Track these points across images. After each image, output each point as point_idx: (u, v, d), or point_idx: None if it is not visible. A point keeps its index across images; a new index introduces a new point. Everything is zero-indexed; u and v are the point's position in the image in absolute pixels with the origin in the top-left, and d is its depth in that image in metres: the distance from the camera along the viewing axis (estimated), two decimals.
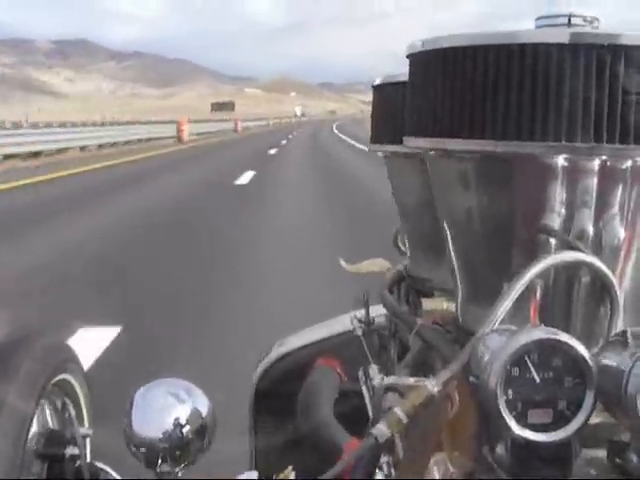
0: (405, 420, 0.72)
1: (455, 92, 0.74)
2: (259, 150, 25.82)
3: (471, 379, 0.72)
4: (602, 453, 0.73)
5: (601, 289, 0.75)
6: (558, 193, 0.73)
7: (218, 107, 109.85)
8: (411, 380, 0.79)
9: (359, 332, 1.15)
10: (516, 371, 0.68)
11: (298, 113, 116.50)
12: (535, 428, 0.68)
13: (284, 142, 33.86)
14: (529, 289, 0.74)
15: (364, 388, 1.07)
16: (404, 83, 0.89)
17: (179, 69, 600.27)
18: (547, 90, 0.70)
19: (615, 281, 0.74)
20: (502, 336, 0.70)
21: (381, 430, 0.72)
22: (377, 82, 1.12)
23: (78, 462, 1.23)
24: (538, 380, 0.68)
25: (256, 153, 24.18)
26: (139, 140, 30.76)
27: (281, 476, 1.11)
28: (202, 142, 33.34)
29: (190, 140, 34.09)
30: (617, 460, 0.71)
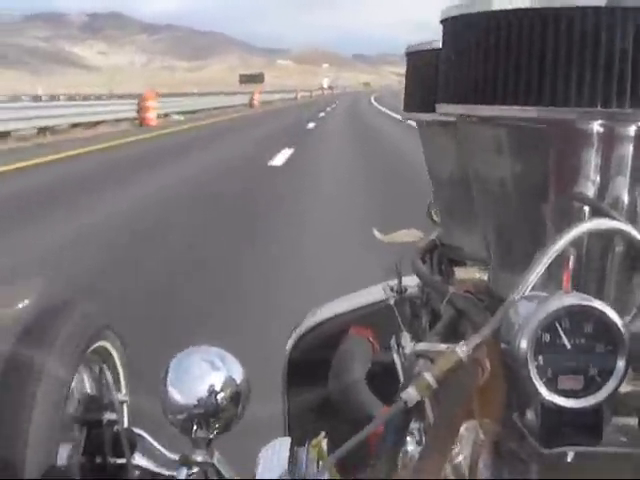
0: (434, 385, 0.72)
1: (489, 58, 0.73)
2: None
3: (502, 345, 0.71)
4: (633, 421, 0.73)
5: (635, 257, 0.74)
6: (593, 160, 0.72)
7: (247, 79, 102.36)
8: (442, 346, 0.79)
9: (391, 301, 1.15)
10: (547, 337, 0.67)
11: (325, 85, 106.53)
12: (565, 394, 0.68)
13: (311, 125, 24.64)
14: (562, 257, 0.73)
15: (396, 356, 1.07)
16: (438, 50, 0.88)
17: (211, 41, 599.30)
18: (582, 55, 0.68)
19: None
20: (533, 302, 0.70)
21: (410, 394, 0.72)
22: (410, 49, 1.11)
23: (116, 427, 1.26)
24: (569, 346, 0.67)
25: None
26: None
27: (314, 442, 1.13)
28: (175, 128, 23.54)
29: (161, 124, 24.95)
30: None
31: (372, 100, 62.80)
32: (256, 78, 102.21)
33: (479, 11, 0.75)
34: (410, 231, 1.26)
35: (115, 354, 1.37)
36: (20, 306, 1.27)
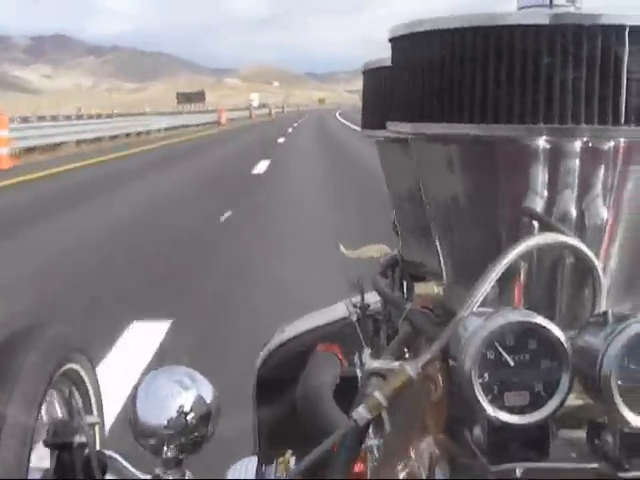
0: (385, 403, 0.73)
1: (435, 75, 0.74)
2: None
3: (450, 362, 0.72)
4: (581, 434, 0.73)
5: (584, 271, 0.74)
6: (540, 175, 0.73)
7: (185, 98, 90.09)
8: (394, 364, 0.79)
9: (354, 317, 1.15)
10: (492, 354, 0.67)
11: (255, 104, 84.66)
12: (511, 410, 0.68)
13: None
14: (512, 272, 0.73)
15: (359, 372, 1.09)
16: (390, 67, 0.88)
17: (158, 62, 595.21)
18: (524, 72, 0.69)
19: (597, 263, 0.74)
20: (480, 318, 0.70)
21: (360, 413, 0.73)
22: (367, 66, 1.11)
23: (87, 450, 1.26)
24: (513, 363, 0.67)
25: None
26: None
27: (281, 460, 1.14)
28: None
29: None
30: (596, 441, 0.71)
31: (338, 116, 62.29)
32: (196, 97, 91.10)
33: (425, 29, 0.75)
34: (376, 246, 1.26)
35: (85, 376, 1.37)
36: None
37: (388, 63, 1.02)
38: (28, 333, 1.30)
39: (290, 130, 36.55)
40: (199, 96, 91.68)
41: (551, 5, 0.74)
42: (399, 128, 0.82)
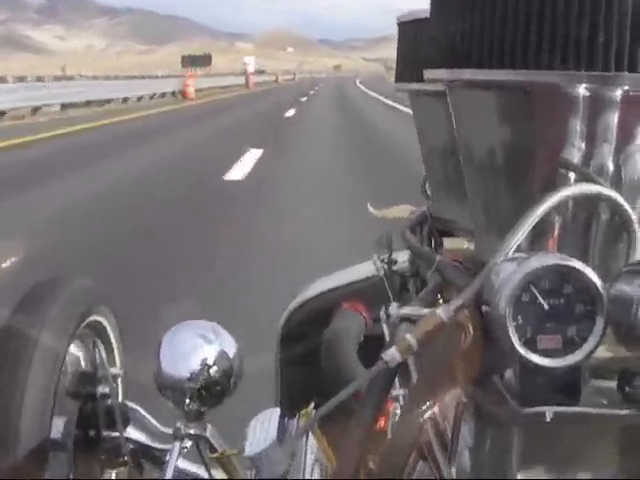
0: (415, 346, 0.72)
1: (474, 21, 0.73)
2: None
3: (483, 307, 0.72)
4: (613, 384, 0.73)
5: (619, 224, 0.74)
6: (579, 126, 0.72)
7: (190, 61, 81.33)
8: (424, 310, 0.80)
9: (381, 273, 1.16)
10: (526, 297, 0.67)
11: (250, 68, 67.13)
12: (544, 353, 0.68)
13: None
14: (547, 222, 0.73)
15: (385, 326, 1.08)
16: (427, 19, 0.87)
17: (173, 26, 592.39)
18: (568, 18, 0.68)
19: (633, 215, 0.73)
20: (514, 263, 0.70)
21: (391, 355, 0.73)
22: (402, 19, 1.10)
23: (109, 401, 1.27)
24: (547, 307, 0.67)
25: None
26: None
27: (303, 412, 1.15)
28: None
29: None
30: (627, 389, 0.72)
31: (359, 84, 58.15)
32: (201, 60, 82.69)
33: None
34: (403, 207, 1.26)
35: (109, 328, 1.38)
36: (4, 266, 1.28)
37: (423, 15, 1.01)
38: (52, 285, 1.31)
39: (304, 99, 33.26)
40: (205, 59, 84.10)
41: None
42: (436, 75, 0.81)
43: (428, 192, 1.17)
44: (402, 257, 1.18)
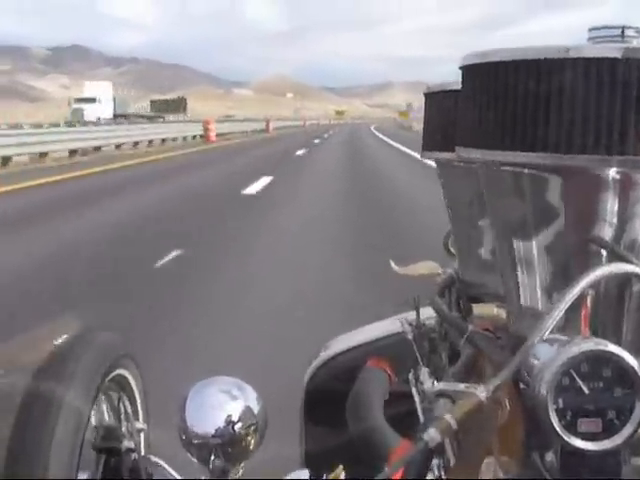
0: (455, 426, 0.73)
1: (507, 105, 0.75)
2: None
3: (521, 386, 0.73)
4: None
5: None
6: (610, 204, 0.74)
7: (162, 106, 67.39)
8: (462, 386, 0.80)
9: (410, 335, 1.16)
10: (566, 381, 0.69)
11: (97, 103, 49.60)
12: (584, 437, 0.69)
13: None
14: (580, 299, 0.74)
15: (414, 390, 1.08)
16: (456, 91, 0.89)
17: (177, 74, 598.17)
18: (599, 104, 0.71)
19: None
20: (553, 346, 0.71)
21: (432, 435, 0.73)
22: (430, 90, 1.13)
23: (133, 455, 1.27)
24: (587, 390, 0.69)
25: None
26: None
27: (332, 476, 1.14)
28: None
29: None
30: None
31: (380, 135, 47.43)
32: (173, 105, 69.75)
33: (500, 60, 0.76)
34: (427, 263, 1.27)
35: (133, 382, 1.38)
36: (56, 344, 1.29)
37: (451, 87, 1.03)
38: (79, 339, 1.31)
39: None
40: (178, 104, 70.64)
41: (623, 37, 0.75)
42: (469, 154, 0.83)
43: (451, 249, 1.18)
44: (427, 314, 1.19)
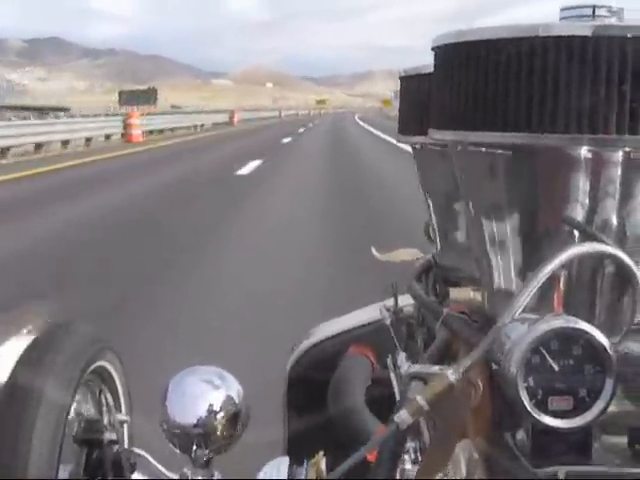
0: (426, 407, 0.74)
1: (478, 85, 0.75)
2: None
3: (493, 366, 0.73)
4: (623, 440, 0.74)
5: (624, 280, 0.76)
6: (582, 184, 0.74)
7: (130, 98, 61.77)
8: (435, 368, 0.81)
9: (388, 321, 1.17)
10: (536, 359, 0.69)
11: None
12: (555, 414, 0.69)
13: None
14: (553, 279, 0.75)
15: (393, 376, 1.09)
16: (430, 74, 0.90)
17: (155, 66, 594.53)
18: (569, 83, 0.71)
19: (638, 272, 0.75)
20: (523, 324, 0.71)
21: (403, 417, 0.74)
22: (404, 73, 1.13)
23: (116, 447, 1.27)
24: (558, 368, 0.69)
25: None
26: None
27: (312, 461, 1.15)
28: None
29: None
30: (637, 446, 0.73)
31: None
32: (142, 96, 63.42)
33: (470, 39, 0.76)
34: (408, 250, 1.28)
35: (115, 374, 1.38)
36: (25, 332, 1.28)
37: (425, 70, 1.03)
38: (59, 330, 1.31)
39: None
40: (148, 95, 63.90)
41: (594, 16, 0.74)
42: (441, 136, 0.83)
43: (432, 237, 1.18)
44: (407, 300, 1.19)
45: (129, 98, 60.81)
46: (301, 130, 40.24)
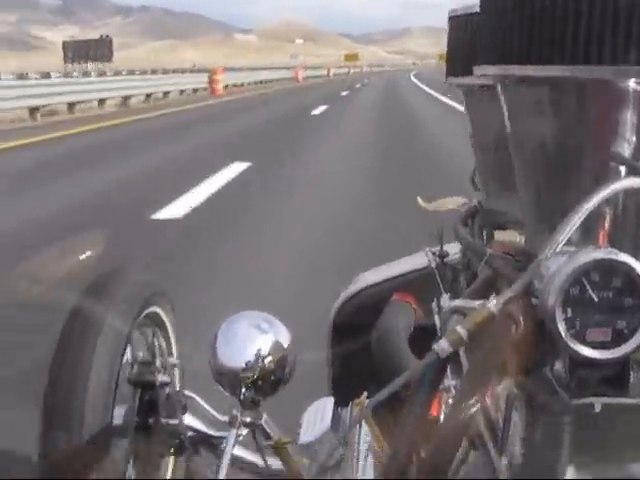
0: (466, 337, 0.75)
1: (525, 19, 0.74)
2: None
3: (533, 300, 0.73)
4: None
5: None
6: (629, 120, 0.73)
7: (78, 51, 40.83)
8: (475, 302, 0.81)
9: (433, 265, 1.18)
10: (575, 290, 0.69)
11: None
12: (593, 346, 0.69)
13: None
14: (598, 215, 0.74)
15: (436, 318, 1.09)
16: (478, 13, 0.88)
17: (188, 23, 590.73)
18: (617, 15, 0.69)
19: None
20: (564, 257, 0.71)
21: (442, 346, 0.75)
22: (453, 14, 1.11)
23: (168, 390, 1.31)
24: (597, 300, 0.69)
25: None
26: None
27: (356, 402, 1.17)
28: None
29: None
30: None
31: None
32: (95, 48, 41.04)
33: None
34: (454, 198, 1.28)
35: (166, 319, 1.41)
36: (82, 258, 1.33)
37: (474, 10, 1.02)
38: (112, 277, 1.34)
39: None
40: (100, 47, 42.89)
41: None
42: (487, 71, 0.82)
43: (478, 184, 1.18)
44: (453, 249, 1.20)
45: (76, 51, 42.65)
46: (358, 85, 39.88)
